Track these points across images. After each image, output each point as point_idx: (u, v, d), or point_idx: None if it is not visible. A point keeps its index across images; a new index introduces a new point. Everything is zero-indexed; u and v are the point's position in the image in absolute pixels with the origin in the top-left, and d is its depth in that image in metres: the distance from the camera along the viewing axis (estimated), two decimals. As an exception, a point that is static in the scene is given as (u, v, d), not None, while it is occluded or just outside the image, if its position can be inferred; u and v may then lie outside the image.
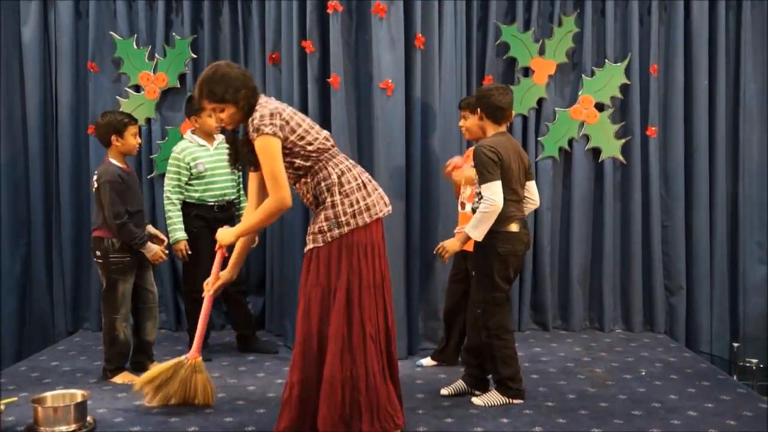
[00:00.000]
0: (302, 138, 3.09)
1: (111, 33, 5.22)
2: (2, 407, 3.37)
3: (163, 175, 4.85)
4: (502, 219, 3.59)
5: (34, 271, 5.34)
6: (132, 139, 4.08)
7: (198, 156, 4.52)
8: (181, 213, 4.52)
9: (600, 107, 5.26)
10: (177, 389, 3.62)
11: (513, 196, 3.65)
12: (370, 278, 3.14)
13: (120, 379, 4.06)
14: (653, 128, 5.25)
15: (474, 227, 3.58)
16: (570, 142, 5.27)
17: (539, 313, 5.39)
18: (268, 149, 3.01)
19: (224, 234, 3.31)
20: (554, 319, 5.41)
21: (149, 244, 4.12)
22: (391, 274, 4.41)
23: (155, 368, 3.68)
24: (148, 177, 5.21)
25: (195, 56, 5.24)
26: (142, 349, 4.23)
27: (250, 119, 3.05)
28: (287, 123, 3.07)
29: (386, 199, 3.26)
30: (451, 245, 3.70)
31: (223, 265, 3.51)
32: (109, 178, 3.98)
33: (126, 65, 5.20)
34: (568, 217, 5.35)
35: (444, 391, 3.88)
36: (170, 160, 4.53)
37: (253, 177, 3.32)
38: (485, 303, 3.67)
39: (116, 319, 4.05)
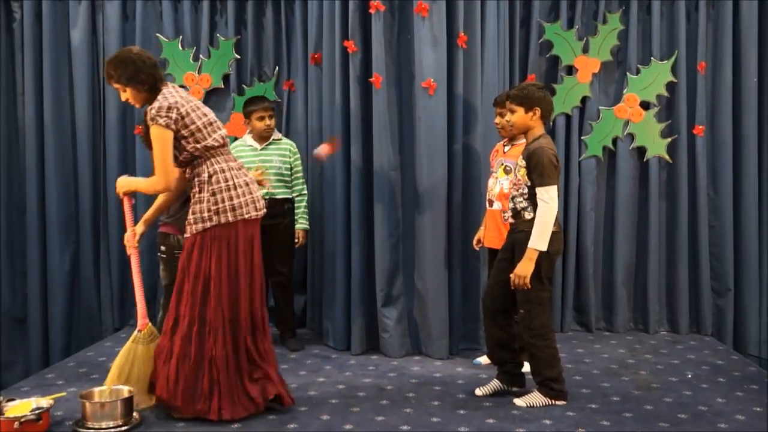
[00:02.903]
0: (192, 134, 3.36)
1: (157, 35, 5.30)
2: (51, 402, 3.44)
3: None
4: None
5: (83, 269, 5.44)
6: None
7: (241, 156, 4.61)
8: None
9: (645, 106, 5.19)
10: (144, 367, 3.54)
11: (558, 197, 3.65)
12: (231, 271, 3.39)
13: None
14: (701, 127, 5.16)
15: (539, 237, 3.53)
16: (614, 141, 5.21)
17: (582, 315, 5.33)
18: (159, 139, 3.31)
19: (121, 182, 3.62)
20: (597, 321, 5.35)
21: None
22: (431, 274, 4.50)
23: (115, 363, 3.57)
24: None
25: (239, 57, 5.30)
26: None
27: (150, 107, 3.35)
28: (182, 118, 3.33)
29: (259, 204, 3.50)
30: (525, 270, 3.55)
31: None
32: None
33: (171, 66, 5.28)
34: (612, 217, 5.29)
35: (478, 392, 3.86)
36: None
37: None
38: (530, 303, 3.64)
39: None
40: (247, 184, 3.46)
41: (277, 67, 5.36)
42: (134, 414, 3.43)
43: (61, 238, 5.39)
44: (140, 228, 3.69)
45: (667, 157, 5.20)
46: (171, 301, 3.45)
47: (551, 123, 5.16)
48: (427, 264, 4.52)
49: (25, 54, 5.36)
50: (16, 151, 5.49)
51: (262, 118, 4.69)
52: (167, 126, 3.30)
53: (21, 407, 3.37)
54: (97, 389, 3.53)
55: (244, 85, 5.31)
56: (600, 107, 5.21)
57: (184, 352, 3.36)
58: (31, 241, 5.41)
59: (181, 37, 5.30)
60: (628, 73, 5.17)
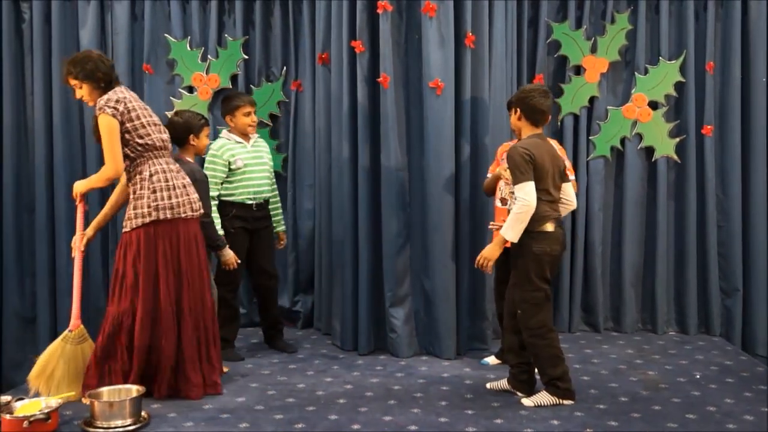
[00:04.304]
0: (136, 129, 3.56)
1: (165, 35, 5.32)
2: (60, 401, 3.45)
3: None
4: (537, 219, 3.58)
5: (91, 269, 5.45)
6: (205, 140, 4.26)
7: (236, 153, 4.51)
8: (217, 212, 4.45)
9: (654, 105, 5.17)
10: (68, 366, 3.66)
11: (546, 196, 3.63)
12: (175, 266, 3.61)
13: None
14: (709, 127, 5.15)
15: (509, 228, 3.58)
16: (622, 141, 5.20)
17: (590, 315, 5.32)
18: (107, 127, 3.51)
19: (77, 185, 3.77)
20: (606, 321, 5.33)
21: (227, 248, 4.28)
22: (439, 274, 4.49)
23: (41, 358, 3.68)
24: (201, 176, 5.28)
25: (246, 57, 5.31)
26: None
27: (99, 99, 3.57)
28: (128, 112, 3.55)
29: (195, 205, 3.72)
30: (491, 253, 3.70)
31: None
32: (201, 177, 4.10)
33: (180, 67, 5.29)
34: (620, 217, 5.28)
35: (488, 385, 3.96)
36: (207, 158, 4.50)
37: None
38: (524, 303, 3.65)
39: None
40: (184, 186, 3.67)
41: (284, 67, 5.37)
42: (142, 413, 3.45)
43: (69, 238, 5.32)
44: (90, 232, 3.88)
45: (675, 157, 5.18)
46: (123, 303, 3.60)
47: (559, 123, 5.17)
48: (435, 264, 4.52)
49: (35, 55, 5.38)
50: (26, 152, 5.51)
51: (248, 114, 4.55)
52: (113, 116, 3.50)
53: (30, 406, 3.39)
54: (105, 389, 3.55)
55: (252, 86, 5.32)
56: (608, 107, 5.20)
57: (143, 344, 3.58)
58: (40, 241, 5.43)
59: (189, 37, 5.31)
60: (636, 73, 5.16)
